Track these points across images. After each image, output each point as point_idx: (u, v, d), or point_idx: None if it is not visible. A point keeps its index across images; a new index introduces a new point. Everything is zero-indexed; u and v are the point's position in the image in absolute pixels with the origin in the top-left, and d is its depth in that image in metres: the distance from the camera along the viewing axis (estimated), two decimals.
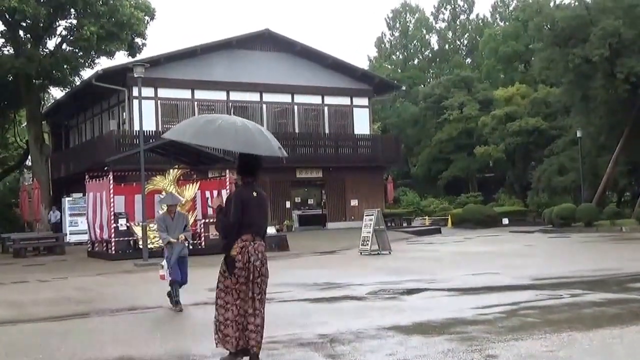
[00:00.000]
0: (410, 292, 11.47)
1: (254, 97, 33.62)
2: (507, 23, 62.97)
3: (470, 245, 23.42)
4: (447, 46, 70.22)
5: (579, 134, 35.56)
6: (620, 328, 7.53)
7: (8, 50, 32.09)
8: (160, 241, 10.74)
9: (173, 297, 10.12)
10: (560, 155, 40.07)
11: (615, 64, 30.04)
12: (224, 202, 6.64)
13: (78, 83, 33.63)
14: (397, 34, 71.03)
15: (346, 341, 7.34)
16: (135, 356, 7.03)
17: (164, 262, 10.24)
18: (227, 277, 6.32)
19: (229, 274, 6.29)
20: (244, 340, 6.24)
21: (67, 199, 31.28)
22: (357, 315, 9.10)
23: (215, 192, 21.02)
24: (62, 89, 35.57)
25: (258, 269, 6.28)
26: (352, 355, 6.64)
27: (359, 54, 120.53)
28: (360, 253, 20.37)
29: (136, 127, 27.13)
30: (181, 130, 6.99)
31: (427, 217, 41.70)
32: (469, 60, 68.32)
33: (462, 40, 70.82)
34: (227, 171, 22.14)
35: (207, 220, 21.79)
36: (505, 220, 37.85)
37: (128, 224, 21.37)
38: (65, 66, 31.24)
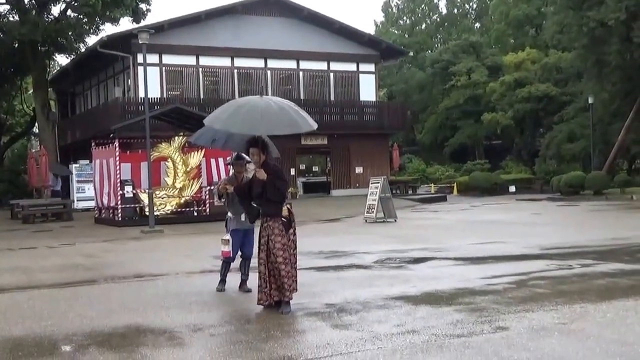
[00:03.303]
0: (417, 260, 11.37)
1: (258, 63, 33.26)
2: None
3: (476, 213, 23.29)
4: (455, 10, 69.22)
5: (590, 101, 35.15)
6: (635, 300, 7.40)
7: (13, 17, 31.96)
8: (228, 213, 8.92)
9: (221, 275, 8.92)
10: (570, 122, 39.71)
11: (632, 27, 29.36)
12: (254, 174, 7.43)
13: (83, 50, 33.51)
14: None
15: (353, 311, 7.25)
16: (142, 324, 6.96)
17: (228, 236, 8.74)
18: (283, 236, 7.31)
19: (286, 231, 7.36)
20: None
21: (74, 165, 31.27)
22: (364, 284, 9.00)
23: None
24: (67, 55, 35.45)
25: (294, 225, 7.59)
26: (360, 326, 6.54)
27: (366, 19, 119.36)
28: (366, 221, 20.27)
29: (141, 94, 27.05)
30: (230, 122, 7.29)
31: (432, 185, 41.55)
32: (478, 24, 67.38)
33: (471, 4, 69.75)
34: None
35: (212, 188, 21.78)
36: (512, 188, 37.67)
37: (134, 191, 21.41)
38: (70, 33, 31.04)
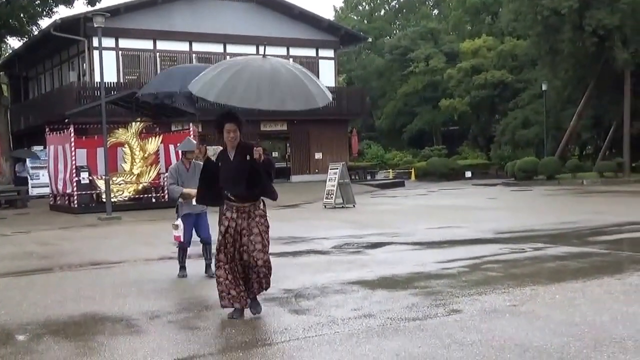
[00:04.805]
0: (375, 245, 11.51)
1: (217, 48, 32.99)
2: None
3: (433, 199, 23.60)
4: None
5: (544, 87, 35.82)
6: (582, 282, 7.62)
7: None
8: (177, 197, 8.71)
9: (180, 262, 8.91)
10: (525, 109, 40.41)
11: (584, 16, 30.01)
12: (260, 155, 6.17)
13: (36, 33, 32.68)
14: None
15: (311, 296, 7.32)
16: (98, 312, 6.92)
17: (179, 222, 8.69)
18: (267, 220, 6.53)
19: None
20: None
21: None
22: (322, 269, 9.08)
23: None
24: (19, 39, 34.45)
25: None
26: (317, 311, 6.61)
27: (325, 5, 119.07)
28: (325, 206, 20.38)
29: (97, 79, 26.65)
30: (227, 92, 5.97)
31: (391, 170, 41.92)
32: (436, 11, 67.84)
33: None
34: (191, 124, 21.95)
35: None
36: (469, 174, 38.28)
37: (90, 178, 21.13)
38: (22, 15, 30.19)
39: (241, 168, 6.26)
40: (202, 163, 6.78)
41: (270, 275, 6.46)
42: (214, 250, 7.38)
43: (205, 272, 8.83)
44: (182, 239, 8.71)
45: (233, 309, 6.45)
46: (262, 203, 6.47)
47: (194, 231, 8.92)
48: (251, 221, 6.34)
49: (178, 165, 8.92)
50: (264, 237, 6.35)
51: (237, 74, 5.94)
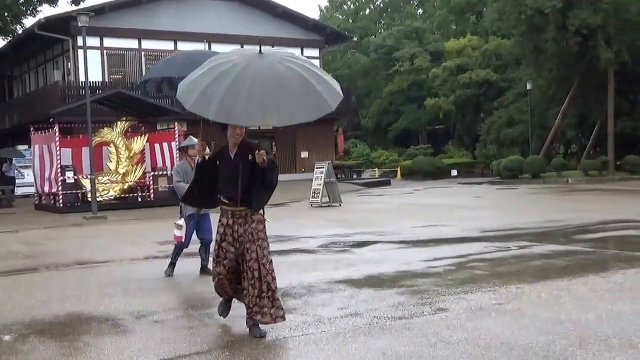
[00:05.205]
0: (361, 244, 11.53)
1: (202, 47, 32.87)
2: None
3: (419, 197, 23.68)
4: None
5: (528, 86, 36.04)
6: (568, 280, 7.66)
7: None
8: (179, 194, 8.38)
9: (172, 259, 8.84)
10: (509, 108, 40.62)
11: (568, 15, 30.24)
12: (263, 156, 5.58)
13: (20, 32, 32.54)
14: None
15: (298, 295, 7.33)
16: (84, 312, 6.90)
17: (182, 222, 8.60)
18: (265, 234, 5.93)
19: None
20: None
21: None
22: (308, 268, 9.09)
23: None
24: (4, 38, 34.28)
25: None
26: (304, 310, 6.62)
27: (310, 4, 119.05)
28: (311, 205, 20.39)
29: (82, 78, 26.56)
30: (225, 109, 5.06)
31: (377, 169, 41.99)
32: (420, 11, 67.96)
33: None
34: (176, 123, 22.02)
35: (156, 173, 21.69)
36: (454, 172, 38.43)
37: (76, 177, 21.09)
38: (6, 14, 30.05)
39: (243, 168, 5.71)
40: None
41: (268, 300, 5.69)
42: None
43: (201, 272, 8.74)
44: (183, 240, 8.63)
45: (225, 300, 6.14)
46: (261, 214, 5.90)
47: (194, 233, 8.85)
48: (248, 227, 5.76)
49: (182, 163, 8.90)
50: (263, 246, 5.76)
51: (235, 84, 5.04)
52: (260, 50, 5.28)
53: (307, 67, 5.29)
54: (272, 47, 30.09)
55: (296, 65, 5.22)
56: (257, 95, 4.96)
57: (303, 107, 5.09)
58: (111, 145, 21.94)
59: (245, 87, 4.97)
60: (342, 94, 5.29)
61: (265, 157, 5.51)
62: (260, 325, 5.74)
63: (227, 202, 5.83)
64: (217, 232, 5.90)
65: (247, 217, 5.77)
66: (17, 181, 28.63)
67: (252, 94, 4.95)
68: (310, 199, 20.71)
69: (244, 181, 5.68)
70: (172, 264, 8.84)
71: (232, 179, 5.73)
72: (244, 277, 5.78)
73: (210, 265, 8.17)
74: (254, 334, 5.69)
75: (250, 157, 5.67)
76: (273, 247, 11.34)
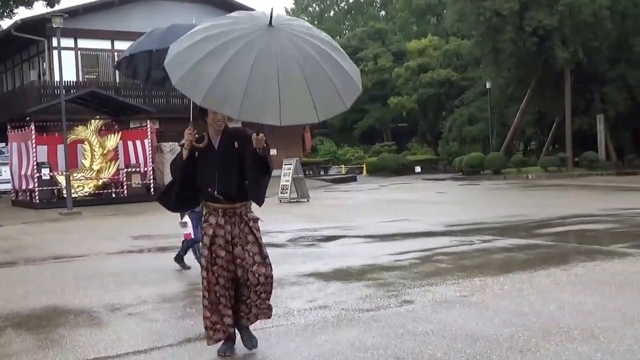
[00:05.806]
0: (329, 239, 11.69)
1: None
2: None
3: (384, 193, 23.93)
4: None
5: (488, 85, 36.66)
6: (530, 273, 7.79)
7: None
8: None
9: (196, 258, 8.54)
10: (470, 106, 41.24)
11: (525, 17, 30.88)
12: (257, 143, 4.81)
13: None
14: None
15: None
16: (59, 305, 6.93)
17: (186, 219, 8.56)
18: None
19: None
20: None
21: None
22: (278, 262, 9.07)
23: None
24: None
25: None
26: (274, 302, 6.58)
27: (276, 5, 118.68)
28: (280, 201, 20.51)
29: (57, 78, 26.77)
30: (222, 99, 4.05)
31: (343, 166, 42.24)
32: (383, 12, 68.67)
33: None
34: (148, 121, 22.83)
35: (129, 170, 22.06)
36: (418, 169, 38.89)
37: (51, 174, 21.33)
38: None
39: (230, 159, 4.94)
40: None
41: (269, 300, 5.09)
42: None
43: (175, 259, 8.83)
44: (192, 236, 8.64)
45: (224, 342, 5.05)
46: (251, 203, 5.12)
47: None
48: (244, 226, 4.96)
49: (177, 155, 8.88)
50: (263, 246, 5.00)
51: (233, 63, 3.99)
52: (270, 22, 4.19)
53: (326, 52, 4.23)
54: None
55: (313, 47, 4.18)
56: (258, 84, 3.96)
57: (311, 107, 4.08)
58: (85, 142, 22.34)
59: (245, 71, 3.95)
60: (361, 87, 4.39)
61: (262, 142, 4.76)
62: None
63: (220, 198, 4.95)
64: (205, 234, 5.00)
65: (242, 216, 4.98)
66: None
67: (252, 81, 3.95)
68: (279, 194, 20.83)
69: (237, 173, 4.92)
70: (197, 259, 8.71)
71: (222, 172, 4.92)
72: (245, 285, 4.99)
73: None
74: (250, 346, 5.11)
75: (236, 144, 4.95)
76: None
